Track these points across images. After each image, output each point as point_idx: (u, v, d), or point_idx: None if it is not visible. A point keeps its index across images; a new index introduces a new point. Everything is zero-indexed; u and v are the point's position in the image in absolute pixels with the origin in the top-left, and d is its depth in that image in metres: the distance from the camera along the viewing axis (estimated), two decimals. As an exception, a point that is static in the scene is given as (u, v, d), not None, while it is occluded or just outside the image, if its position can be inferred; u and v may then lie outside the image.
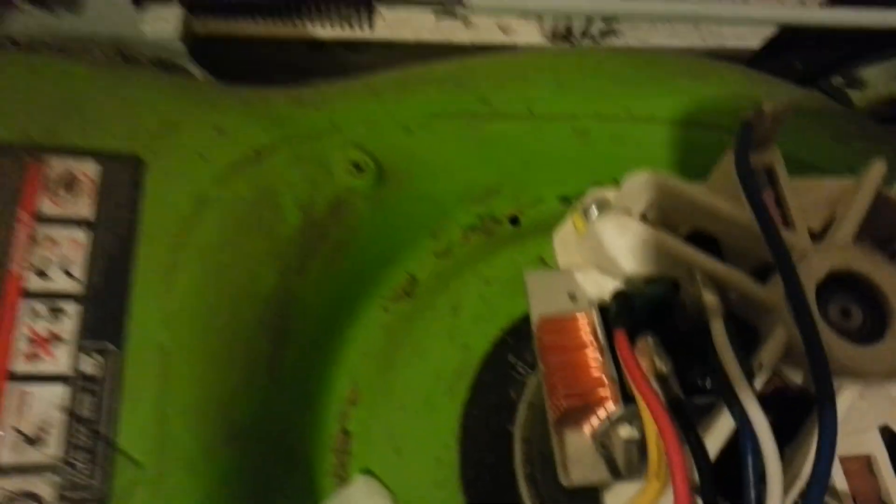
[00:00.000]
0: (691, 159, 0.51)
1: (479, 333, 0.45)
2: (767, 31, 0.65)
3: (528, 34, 0.68)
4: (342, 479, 0.42)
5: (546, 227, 0.49)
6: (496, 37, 0.68)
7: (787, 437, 0.26)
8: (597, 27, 0.67)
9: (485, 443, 0.42)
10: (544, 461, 0.40)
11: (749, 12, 0.55)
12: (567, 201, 0.52)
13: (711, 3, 0.57)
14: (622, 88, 0.53)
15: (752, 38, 0.67)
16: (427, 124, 0.49)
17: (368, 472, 0.42)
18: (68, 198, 0.39)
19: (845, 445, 0.26)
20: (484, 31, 0.67)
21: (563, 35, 0.67)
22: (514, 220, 0.51)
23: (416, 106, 0.50)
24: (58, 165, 0.39)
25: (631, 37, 0.69)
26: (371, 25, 0.50)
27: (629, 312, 0.26)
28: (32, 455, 0.34)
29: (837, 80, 0.63)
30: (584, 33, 0.68)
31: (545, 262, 0.48)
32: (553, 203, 0.51)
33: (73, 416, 0.35)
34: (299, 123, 0.47)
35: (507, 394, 0.43)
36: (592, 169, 0.51)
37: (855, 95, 0.64)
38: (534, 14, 0.63)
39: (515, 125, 0.51)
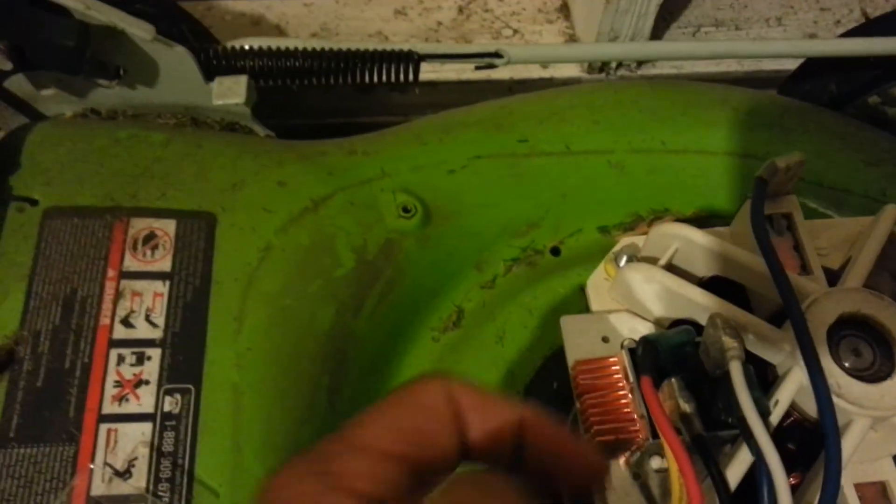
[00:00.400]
0: (725, 187, 0.53)
1: (524, 361, 0.48)
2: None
3: (566, 68, 0.71)
4: (399, 503, 0.45)
5: (586, 257, 0.52)
6: (534, 72, 0.71)
7: (808, 466, 0.28)
8: (631, 58, 0.69)
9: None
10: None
11: (778, 48, 0.56)
12: (606, 231, 0.54)
13: (739, 42, 0.58)
14: (657, 122, 0.55)
15: (790, 62, 0.68)
16: (469, 165, 0.53)
17: (423, 495, 0.45)
18: (149, 253, 0.43)
19: (860, 473, 0.28)
20: (523, 67, 0.70)
21: (599, 68, 0.70)
22: (556, 251, 0.53)
23: (458, 148, 0.53)
24: (139, 224, 0.44)
25: (667, 65, 0.71)
26: (416, 78, 0.54)
27: (655, 359, 0.29)
28: (123, 487, 0.38)
29: (874, 99, 0.63)
30: (620, 65, 0.70)
31: (585, 290, 0.51)
32: (592, 233, 0.53)
33: (157, 450, 0.39)
34: (351, 172, 0.50)
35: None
36: (629, 200, 0.54)
37: (892, 112, 0.64)
38: (569, 62, 0.66)
39: (554, 161, 0.53)
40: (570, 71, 0.72)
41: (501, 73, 0.72)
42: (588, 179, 0.54)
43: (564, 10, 0.76)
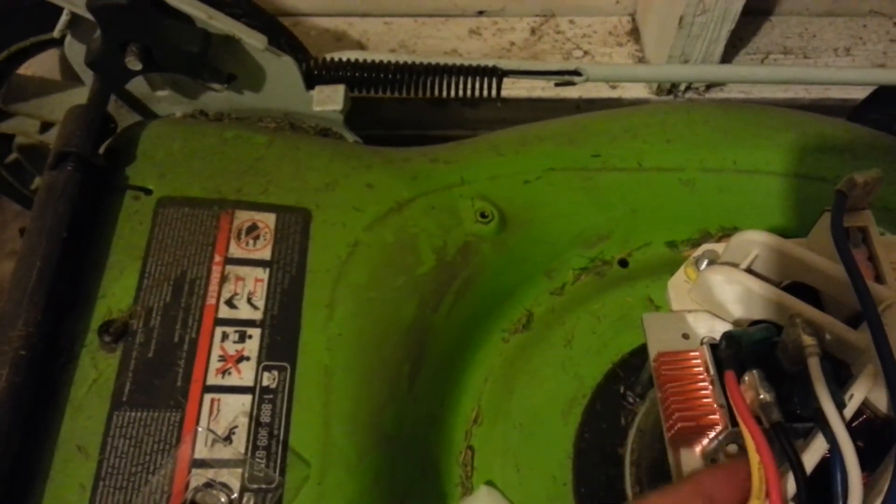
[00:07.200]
0: (794, 209, 0.54)
1: (591, 365, 0.49)
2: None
3: (634, 89, 0.73)
4: (467, 490, 0.47)
5: (653, 270, 0.54)
6: (603, 92, 0.74)
7: (876, 462, 0.30)
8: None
9: (597, 464, 0.46)
10: (653, 483, 0.44)
11: (848, 75, 0.58)
12: (674, 246, 0.56)
13: (811, 68, 0.60)
14: (728, 142, 0.56)
15: (856, 91, 0.69)
16: (544, 177, 0.55)
17: (490, 484, 0.47)
18: (251, 242, 0.47)
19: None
20: (592, 87, 0.73)
21: (668, 90, 0.72)
22: (623, 263, 0.55)
23: (533, 160, 0.56)
24: (243, 216, 0.48)
25: (735, 89, 0.73)
26: (500, 93, 0.57)
27: (737, 353, 0.31)
28: (224, 452, 0.41)
29: (943, 130, 0.64)
30: (688, 88, 0.72)
31: (653, 301, 0.52)
32: (660, 248, 0.55)
33: (255, 421, 0.42)
34: (433, 178, 0.54)
35: (617, 420, 0.47)
36: (698, 217, 0.55)
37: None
38: (644, 81, 0.68)
39: (625, 177, 0.56)
40: (639, 92, 0.74)
41: (570, 91, 0.74)
42: (658, 195, 0.55)
43: (635, 33, 0.79)
